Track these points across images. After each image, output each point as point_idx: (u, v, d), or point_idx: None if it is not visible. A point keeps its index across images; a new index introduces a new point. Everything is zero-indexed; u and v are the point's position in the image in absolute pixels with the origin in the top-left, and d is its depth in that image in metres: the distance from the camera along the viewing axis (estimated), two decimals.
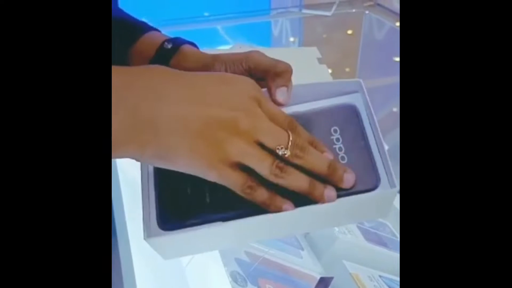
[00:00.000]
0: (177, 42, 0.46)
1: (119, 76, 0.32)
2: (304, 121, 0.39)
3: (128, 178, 0.71)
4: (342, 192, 0.37)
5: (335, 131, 0.39)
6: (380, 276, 0.63)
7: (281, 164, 0.34)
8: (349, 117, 0.40)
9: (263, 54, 0.42)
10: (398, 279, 0.63)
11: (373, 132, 0.39)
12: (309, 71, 0.62)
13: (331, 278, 0.52)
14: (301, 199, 0.36)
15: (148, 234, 0.36)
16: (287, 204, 0.35)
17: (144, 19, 0.51)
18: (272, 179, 0.34)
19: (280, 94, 0.39)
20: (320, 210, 0.36)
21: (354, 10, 1.20)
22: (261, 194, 0.35)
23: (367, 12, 1.19)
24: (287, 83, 0.40)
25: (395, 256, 0.68)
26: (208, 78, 0.35)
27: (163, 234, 0.36)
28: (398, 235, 0.73)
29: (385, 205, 0.38)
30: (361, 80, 0.41)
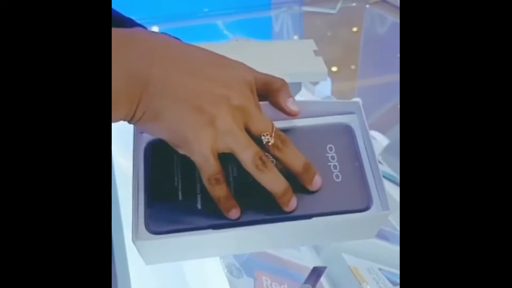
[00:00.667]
0: None
1: (118, 34, 0.32)
2: (301, 135, 0.39)
3: (127, 178, 0.71)
4: (335, 210, 0.36)
5: (331, 148, 0.39)
6: (379, 269, 0.63)
7: (264, 158, 0.34)
8: (345, 137, 0.40)
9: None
10: (398, 272, 0.63)
11: (367, 154, 0.39)
12: (305, 63, 0.61)
13: (324, 267, 0.52)
14: (264, 207, 0.36)
15: (136, 236, 0.35)
16: (236, 209, 0.35)
17: (144, 15, 0.51)
18: (252, 169, 0.34)
19: (292, 103, 0.38)
20: (310, 226, 0.36)
21: (354, 4, 1.20)
22: (220, 190, 0.34)
23: (367, 6, 1.19)
24: (291, 94, 0.40)
25: (395, 249, 0.67)
26: (207, 55, 0.35)
27: (151, 238, 0.35)
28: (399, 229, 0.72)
29: (374, 226, 0.38)
30: (359, 101, 0.42)
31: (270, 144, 0.34)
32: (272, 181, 0.34)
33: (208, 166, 0.33)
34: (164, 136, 0.33)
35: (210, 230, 0.35)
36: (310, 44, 0.78)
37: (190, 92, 0.32)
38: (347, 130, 0.40)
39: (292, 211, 0.36)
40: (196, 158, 0.33)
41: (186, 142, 0.33)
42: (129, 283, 0.52)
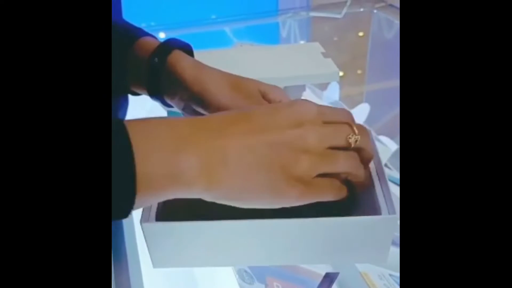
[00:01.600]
0: (164, 52, 0.47)
1: (182, 126, 0.32)
2: None
3: None
4: (343, 212, 0.37)
5: None
6: (390, 275, 0.62)
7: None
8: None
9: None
10: None
11: (376, 171, 0.41)
12: (315, 65, 0.62)
13: (337, 273, 0.51)
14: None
15: (144, 219, 0.35)
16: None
17: (153, 22, 0.52)
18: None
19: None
20: (320, 228, 0.37)
21: (361, 10, 1.20)
22: (333, 182, 0.36)
23: (375, 11, 1.19)
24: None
25: None
26: (259, 108, 0.36)
27: (159, 223, 0.36)
28: None
29: (384, 239, 0.38)
30: (371, 131, 0.44)
31: (358, 140, 0.36)
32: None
33: (315, 196, 0.35)
34: (251, 205, 0.34)
35: (219, 221, 0.36)
36: (317, 47, 0.78)
37: (264, 150, 0.33)
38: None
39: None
40: (300, 200, 0.35)
41: (280, 196, 0.34)
42: None
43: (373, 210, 0.38)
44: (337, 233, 0.37)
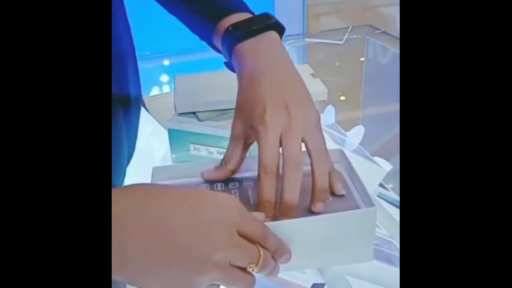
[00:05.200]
0: (232, 42, 0.49)
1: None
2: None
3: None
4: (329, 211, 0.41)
5: None
6: None
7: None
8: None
9: None
10: None
11: (355, 187, 0.45)
12: (307, 84, 0.65)
13: (323, 284, 0.53)
14: None
15: None
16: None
17: (156, 50, 0.54)
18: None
19: None
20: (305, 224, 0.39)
21: (355, 36, 1.23)
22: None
23: (368, 37, 1.22)
24: None
25: (398, 272, 0.68)
26: (182, 202, 0.36)
27: None
28: None
29: (367, 234, 0.41)
30: (343, 150, 0.49)
31: (255, 272, 0.38)
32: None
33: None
34: None
35: None
36: (306, 68, 0.81)
37: (166, 254, 0.34)
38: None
39: None
40: None
41: None
42: None
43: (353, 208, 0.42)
44: (319, 233, 0.40)
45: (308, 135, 0.42)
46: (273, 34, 0.49)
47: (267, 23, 0.49)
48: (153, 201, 0.35)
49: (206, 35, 0.54)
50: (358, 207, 0.42)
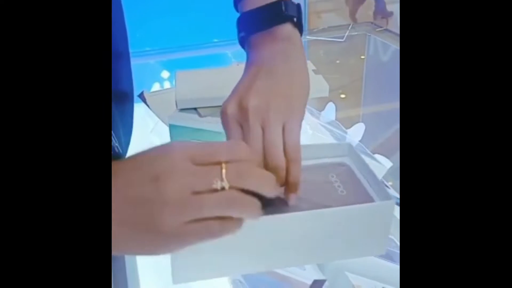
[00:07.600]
0: (250, 30, 0.50)
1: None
2: (306, 171, 0.43)
3: None
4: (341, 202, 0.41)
5: (332, 176, 0.46)
6: None
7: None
8: (343, 168, 0.47)
9: None
10: None
11: (367, 179, 0.45)
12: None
13: (324, 280, 0.53)
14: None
15: None
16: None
17: (156, 46, 0.54)
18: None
19: None
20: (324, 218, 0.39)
21: (356, 33, 1.23)
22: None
23: (369, 34, 1.22)
24: None
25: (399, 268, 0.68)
26: (131, 161, 0.36)
27: None
28: None
29: (382, 227, 0.41)
30: (351, 143, 0.49)
31: (227, 187, 0.34)
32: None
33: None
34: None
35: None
36: (308, 65, 0.81)
37: (123, 205, 0.33)
38: (344, 165, 0.47)
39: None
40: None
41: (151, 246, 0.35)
42: None
43: (367, 201, 0.42)
44: (334, 226, 0.40)
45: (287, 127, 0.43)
46: (286, 28, 0.49)
47: (282, 15, 0.48)
48: (115, 179, 0.34)
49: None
50: (373, 201, 0.41)
